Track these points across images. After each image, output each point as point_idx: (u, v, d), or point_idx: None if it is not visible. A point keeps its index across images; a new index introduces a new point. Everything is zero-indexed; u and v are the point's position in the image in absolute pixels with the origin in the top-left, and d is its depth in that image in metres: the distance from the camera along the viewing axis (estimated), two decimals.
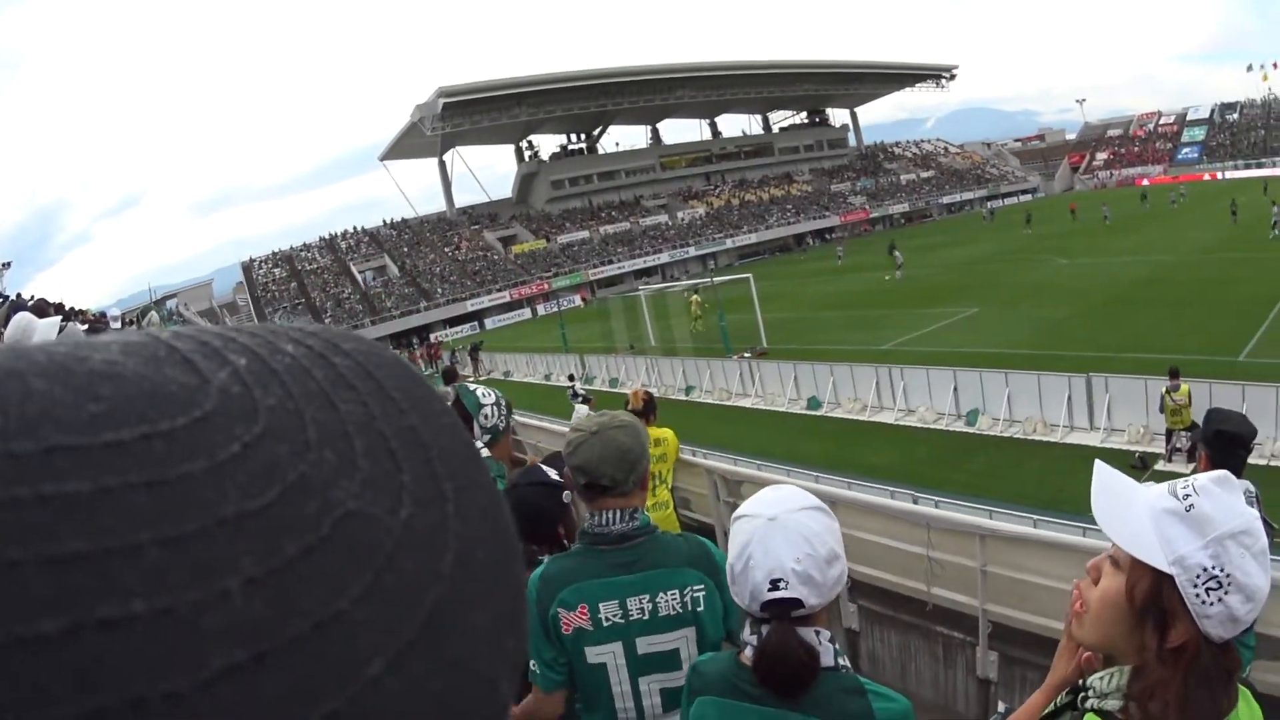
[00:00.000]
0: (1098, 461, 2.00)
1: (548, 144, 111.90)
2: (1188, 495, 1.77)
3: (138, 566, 0.32)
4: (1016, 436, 21.84)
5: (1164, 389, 18.16)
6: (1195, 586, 1.71)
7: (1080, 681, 1.97)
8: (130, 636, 0.31)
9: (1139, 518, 1.82)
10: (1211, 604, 1.69)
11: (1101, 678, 1.88)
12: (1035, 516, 12.82)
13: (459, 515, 0.43)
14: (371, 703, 0.35)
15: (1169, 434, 18.38)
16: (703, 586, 2.98)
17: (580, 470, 3.07)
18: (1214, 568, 1.70)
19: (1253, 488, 4.57)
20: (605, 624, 2.98)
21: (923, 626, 6.79)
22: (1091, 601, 1.92)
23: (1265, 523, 4.72)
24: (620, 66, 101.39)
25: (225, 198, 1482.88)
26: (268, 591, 0.34)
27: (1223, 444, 4.75)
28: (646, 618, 2.97)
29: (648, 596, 2.97)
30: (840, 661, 2.26)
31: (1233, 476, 1.79)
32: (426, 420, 0.45)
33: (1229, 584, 1.68)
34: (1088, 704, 1.87)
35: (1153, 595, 1.77)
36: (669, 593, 2.97)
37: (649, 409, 8.37)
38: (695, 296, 39.39)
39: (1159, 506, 1.80)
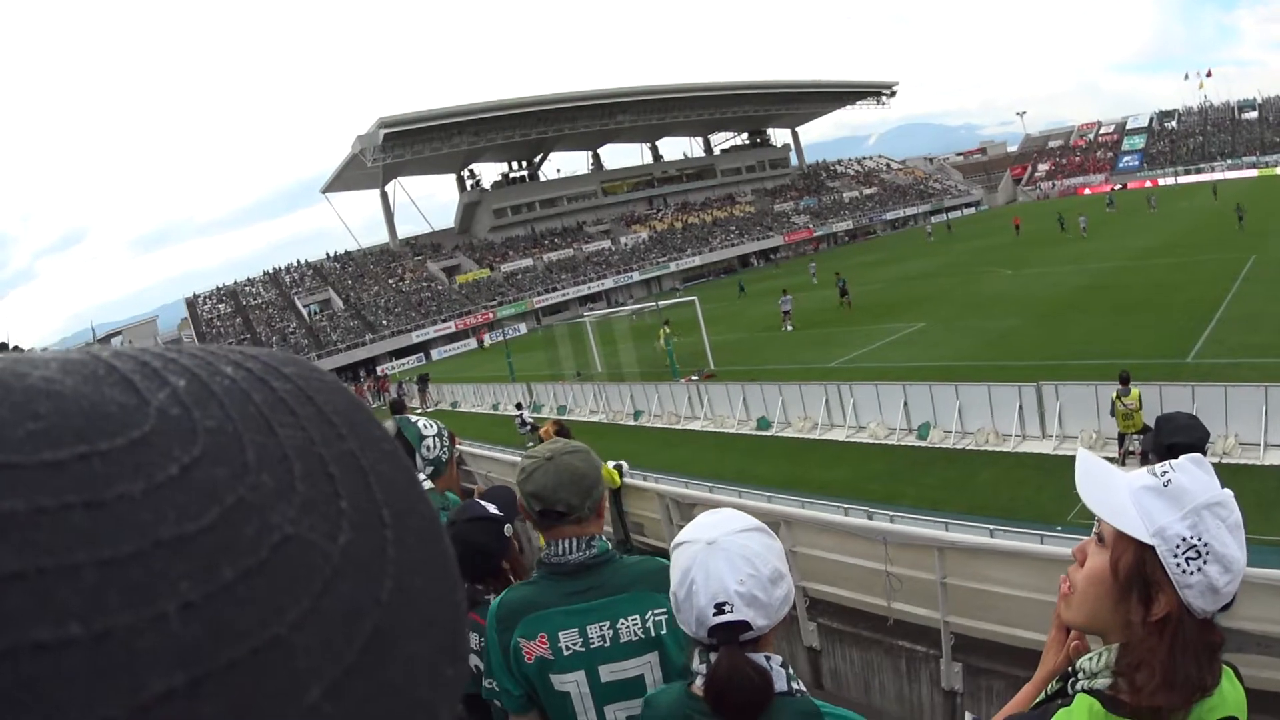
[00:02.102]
0: (1080, 448, 2.08)
1: (489, 172, 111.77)
2: (1165, 473, 1.87)
3: (74, 588, 0.31)
4: (969, 448, 21.94)
5: (1114, 394, 18.34)
6: (1176, 557, 1.78)
7: (1070, 669, 2.02)
8: (65, 661, 0.30)
9: (1120, 495, 1.89)
10: (1192, 574, 1.76)
11: (1090, 659, 1.93)
12: (992, 526, 12.89)
13: (398, 542, 0.42)
14: None
15: (1121, 438, 18.56)
16: (665, 610, 2.87)
17: (535, 497, 2.99)
18: (1192, 538, 1.77)
19: None
20: (566, 653, 2.91)
21: (885, 642, 6.73)
22: (1078, 581, 1.98)
23: None
24: (560, 93, 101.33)
25: (168, 233, 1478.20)
26: (205, 615, 0.33)
27: (1176, 456, 4.68)
28: (608, 645, 2.90)
29: (608, 623, 2.90)
30: (794, 685, 2.21)
31: (1205, 460, 1.87)
32: (365, 446, 0.45)
33: (1207, 554, 1.76)
34: (1077, 687, 1.92)
35: (1136, 568, 1.83)
36: (630, 618, 2.90)
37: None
38: (665, 328, 39.46)
39: (1138, 484, 1.89)
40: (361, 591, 0.39)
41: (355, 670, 0.37)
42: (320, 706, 0.35)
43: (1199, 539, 1.76)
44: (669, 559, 2.37)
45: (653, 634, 2.89)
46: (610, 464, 7.95)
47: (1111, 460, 12.60)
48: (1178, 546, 1.77)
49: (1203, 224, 57.08)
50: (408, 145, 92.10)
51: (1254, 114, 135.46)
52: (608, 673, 2.92)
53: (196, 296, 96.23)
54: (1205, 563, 1.75)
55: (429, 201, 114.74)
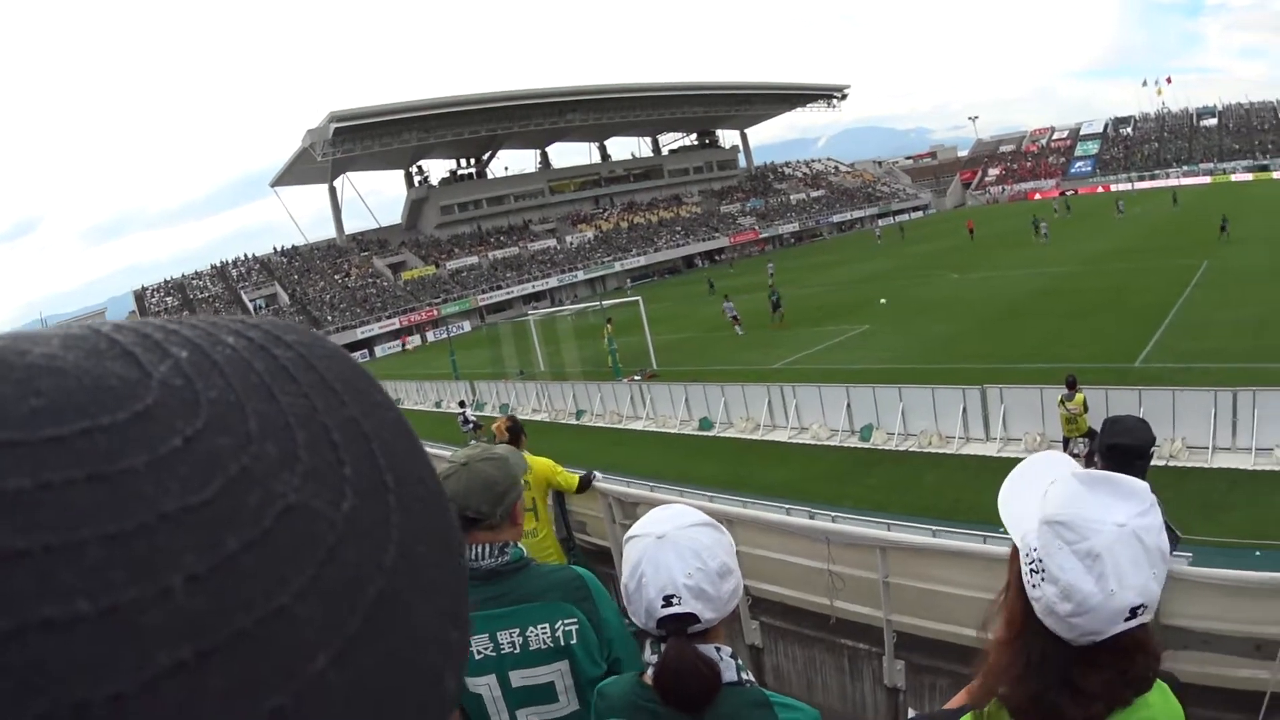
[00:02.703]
0: (1051, 453, 1.97)
1: (438, 169, 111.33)
2: (1054, 481, 1.78)
3: (80, 564, 0.31)
4: (912, 450, 22.05)
5: (1060, 398, 18.54)
6: (1026, 565, 1.73)
7: None
8: (73, 637, 0.30)
9: (1036, 491, 1.81)
10: (1035, 586, 1.70)
11: None
12: (935, 527, 12.91)
13: (401, 508, 0.43)
14: (317, 697, 0.35)
15: (1066, 442, 18.72)
16: (575, 620, 2.97)
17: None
18: (1035, 551, 1.71)
19: (1153, 496, 4.56)
20: (478, 656, 2.96)
21: (827, 640, 6.75)
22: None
23: (1168, 528, 4.69)
24: (510, 90, 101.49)
25: (120, 225, 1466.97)
26: (210, 587, 0.33)
27: (1117, 457, 4.75)
28: (518, 651, 2.96)
29: (518, 630, 2.95)
30: (744, 676, 2.22)
31: (1131, 481, 1.72)
32: (368, 412, 0.45)
33: (1044, 573, 1.68)
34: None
35: (1011, 568, 1.82)
36: (539, 627, 2.96)
37: (515, 438, 8.29)
38: (609, 326, 39.49)
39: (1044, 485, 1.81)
40: (365, 558, 0.39)
41: (360, 638, 0.37)
42: (326, 674, 0.35)
43: (1040, 555, 1.71)
44: (607, 561, 2.36)
45: (562, 643, 2.94)
46: (578, 471, 7.90)
47: None
48: (1027, 556, 1.74)
49: (1159, 230, 57.66)
50: (357, 140, 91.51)
51: (1213, 121, 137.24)
52: (518, 678, 2.96)
53: (145, 289, 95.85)
54: (1044, 580, 1.69)
55: (376, 198, 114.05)
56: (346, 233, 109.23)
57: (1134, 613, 1.61)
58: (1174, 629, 5.07)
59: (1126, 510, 1.64)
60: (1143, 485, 1.69)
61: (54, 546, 0.31)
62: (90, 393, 0.36)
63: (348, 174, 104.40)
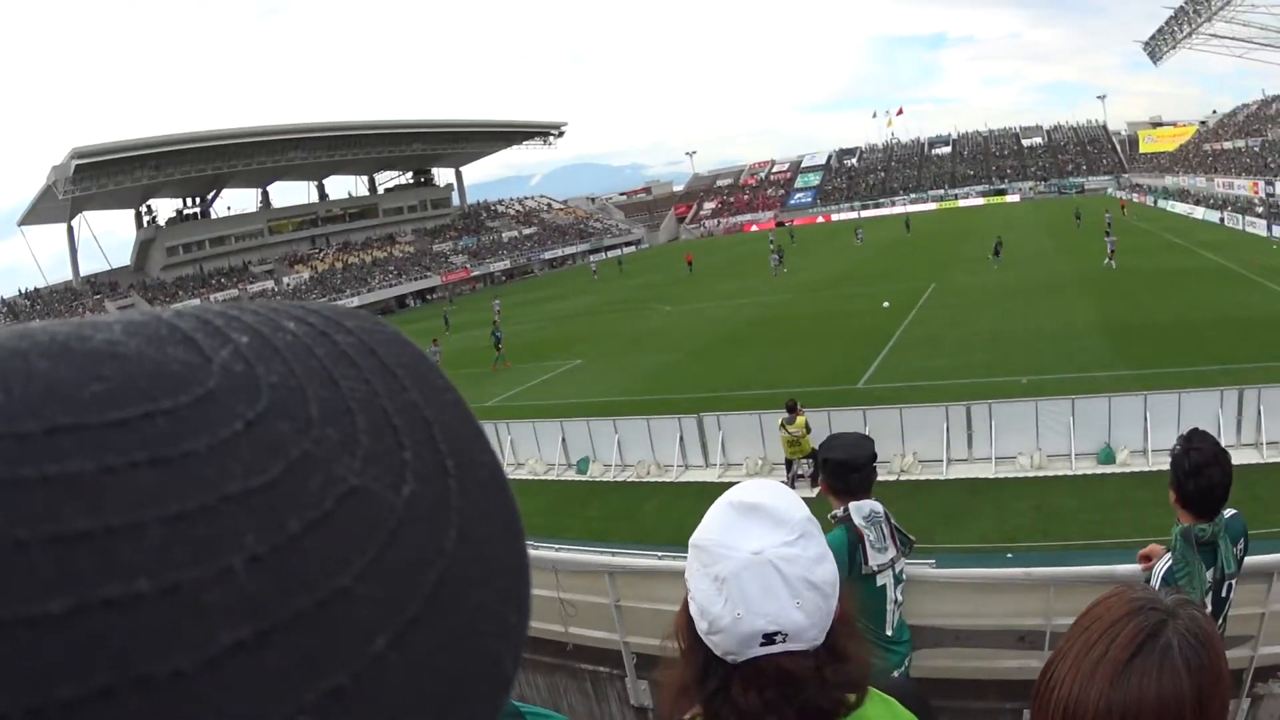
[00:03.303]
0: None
1: (167, 209, 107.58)
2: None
3: (142, 545, 0.32)
4: (631, 480, 22.24)
5: (781, 421, 19.10)
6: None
7: None
8: (135, 615, 0.31)
9: None
10: (691, 604, 1.74)
11: None
12: (661, 553, 13.03)
13: (461, 491, 0.43)
14: (376, 679, 0.35)
15: (789, 464, 19.41)
16: None
17: None
18: (687, 569, 1.76)
19: (880, 507, 4.81)
20: None
21: (567, 666, 6.76)
22: None
23: (902, 535, 4.90)
24: (235, 128, 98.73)
25: None
26: (271, 568, 0.34)
27: (831, 470, 4.93)
28: None
29: None
30: None
31: (786, 511, 1.75)
32: (428, 396, 0.46)
33: (690, 592, 1.74)
34: None
35: None
36: None
37: None
38: None
39: None
40: (426, 541, 0.40)
41: (420, 620, 0.38)
42: (386, 656, 0.36)
43: (687, 576, 1.76)
44: None
45: None
46: None
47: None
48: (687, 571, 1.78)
49: (888, 255, 59.72)
50: (95, 178, 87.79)
51: (947, 149, 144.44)
52: None
53: None
54: (691, 599, 1.74)
55: (111, 238, 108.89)
56: (83, 274, 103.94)
57: (769, 639, 1.65)
58: (927, 629, 5.30)
59: (768, 539, 1.68)
60: (798, 517, 1.73)
61: (116, 528, 0.31)
62: (152, 377, 0.36)
63: (85, 213, 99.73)
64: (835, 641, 1.74)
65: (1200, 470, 4.17)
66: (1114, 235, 46.77)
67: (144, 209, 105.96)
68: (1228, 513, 4.32)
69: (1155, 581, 4.30)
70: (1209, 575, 4.22)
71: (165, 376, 0.37)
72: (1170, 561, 4.30)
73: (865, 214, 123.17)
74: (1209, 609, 4.19)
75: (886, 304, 41.47)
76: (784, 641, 1.65)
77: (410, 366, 0.46)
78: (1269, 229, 57.33)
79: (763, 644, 1.65)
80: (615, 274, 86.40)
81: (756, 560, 1.65)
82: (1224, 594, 4.34)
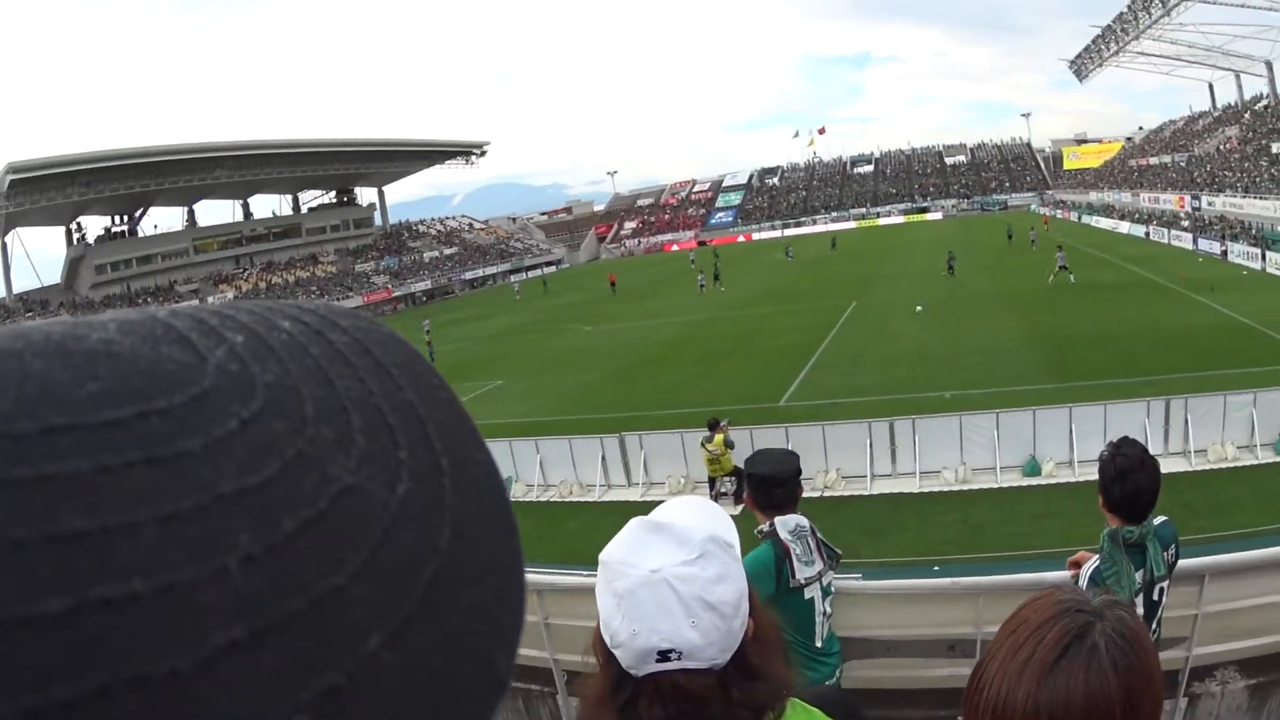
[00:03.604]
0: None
1: (96, 226, 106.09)
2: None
3: (137, 545, 0.32)
4: (554, 500, 22.32)
5: (702, 439, 19.24)
6: None
7: None
8: (131, 615, 0.31)
9: None
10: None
11: None
12: (584, 571, 13.01)
13: (456, 491, 0.43)
14: (370, 678, 0.35)
15: (711, 481, 19.52)
16: None
17: None
18: (596, 584, 1.80)
19: (805, 521, 4.84)
20: None
21: None
22: None
23: (828, 549, 4.92)
24: (162, 145, 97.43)
25: None
26: (266, 568, 0.34)
27: (755, 485, 4.98)
28: None
29: None
30: None
31: (688, 531, 1.76)
32: (423, 396, 0.46)
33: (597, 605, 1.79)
34: None
35: None
36: None
37: None
38: None
39: None
40: (420, 540, 0.40)
41: (414, 619, 0.38)
42: (380, 655, 0.36)
43: (596, 591, 1.80)
44: None
45: None
46: None
47: None
48: None
49: (811, 273, 59.92)
50: (29, 194, 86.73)
51: (869, 168, 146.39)
52: None
53: None
54: (600, 611, 1.78)
55: (41, 255, 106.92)
56: (15, 291, 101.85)
57: (665, 656, 1.66)
58: (857, 640, 5.38)
59: (668, 558, 1.69)
60: (700, 537, 1.73)
61: (112, 527, 0.31)
62: (147, 377, 0.36)
63: (18, 229, 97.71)
64: (746, 660, 1.75)
65: (1126, 475, 4.28)
66: (1063, 250, 47.30)
67: (74, 226, 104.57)
68: (1158, 520, 4.43)
69: (1083, 581, 4.39)
70: (1138, 577, 4.33)
71: (160, 376, 0.37)
72: (1098, 562, 4.39)
73: (789, 232, 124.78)
74: (1141, 611, 4.30)
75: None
76: (679, 659, 1.66)
77: (405, 365, 0.47)
78: (1195, 243, 58.71)
79: (659, 660, 1.67)
80: (539, 294, 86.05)
81: (653, 578, 1.67)
82: (1156, 597, 4.45)
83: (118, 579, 0.31)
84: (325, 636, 0.35)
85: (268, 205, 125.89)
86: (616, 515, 18.91)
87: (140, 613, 0.31)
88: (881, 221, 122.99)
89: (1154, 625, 4.45)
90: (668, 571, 1.67)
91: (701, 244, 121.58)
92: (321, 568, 0.35)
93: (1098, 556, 4.42)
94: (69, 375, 0.35)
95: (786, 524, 4.79)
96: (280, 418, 0.38)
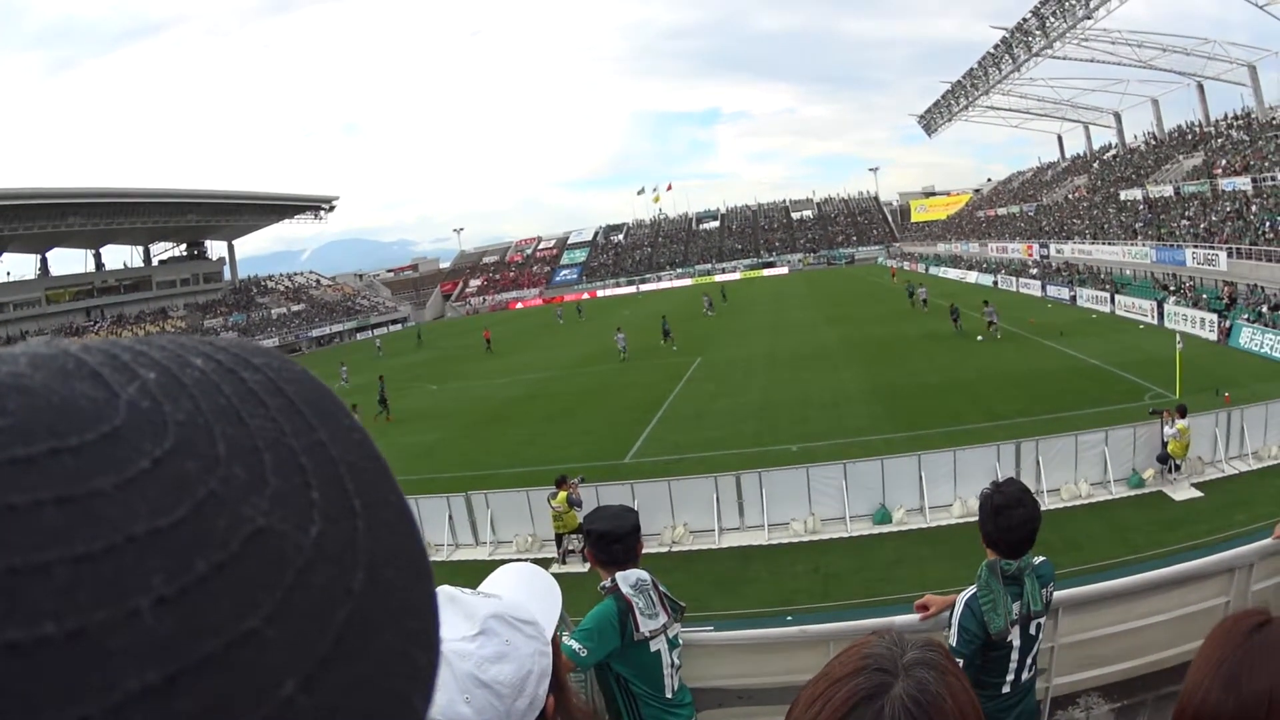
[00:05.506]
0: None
1: None
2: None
3: (47, 586, 0.31)
4: None
5: (548, 497, 19.33)
6: None
7: None
8: (39, 660, 0.30)
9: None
10: None
11: None
12: None
13: (369, 532, 0.42)
14: None
15: (559, 539, 19.53)
16: None
17: None
18: None
19: (646, 575, 4.86)
20: None
21: None
22: None
23: (671, 602, 4.84)
24: (15, 188, 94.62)
25: None
26: (179, 610, 0.33)
27: (594, 541, 4.99)
28: None
29: None
30: None
31: (474, 606, 1.75)
32: (336, 436, 0.45)
33: None
34: None
35: None
36: None
37: None
38: None
39: None
40: (334, 582, 0.39)
41: (329, 661, 0.37)
42: (295, 699, 0.35)
43: None
44: None
45: None
46: None
47: (550, 561, 13.37)
48: None
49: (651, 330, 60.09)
50: None
51: (715, 224, 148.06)
52: None
53: None
54: None
55: None
56: None
57: None
58: (709, 690, 5.45)
59: (450, 633, 1.66)
60: (484, 614, 1.71)
61: (19, 568, 0.31)
62: (58, 413, 0.35)
63: None
64: None
65: (1002, 510, 4.54)
66: (991, 304, 46.81)
67: None
68: (1038, 559, 4.76)
69: (958, 609, 4.62)
70: (1015, 609, 4.53)
71: (71, 412, 0.36)
72: (975, 589, 4.58)
73: (644, 288, 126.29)
74: (1018, 644, 4.60)
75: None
76: None
77: (317, 405, 0.46)
78: (1043, 289, 61.25)
79: None
80: (403, 349, 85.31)
81: None
82: (1033, 632, 4.67)
83: (26, 622, 0.30)
84: (240, 681, 0.34)
85: (119, 256, 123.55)
86: (464, 575, 18.75)
87: (50, 657, 0.30)
88: (718, 278, 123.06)
89: (1030, 659, 4.70)
90: (446, 647, 1.61)
91: (546, 302, 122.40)
92: (235, 610, 0.35)
93: (975, 585, 4.61)
94: None
95: (628, 579, 4.81)
96: (192, 457, 0.38)
